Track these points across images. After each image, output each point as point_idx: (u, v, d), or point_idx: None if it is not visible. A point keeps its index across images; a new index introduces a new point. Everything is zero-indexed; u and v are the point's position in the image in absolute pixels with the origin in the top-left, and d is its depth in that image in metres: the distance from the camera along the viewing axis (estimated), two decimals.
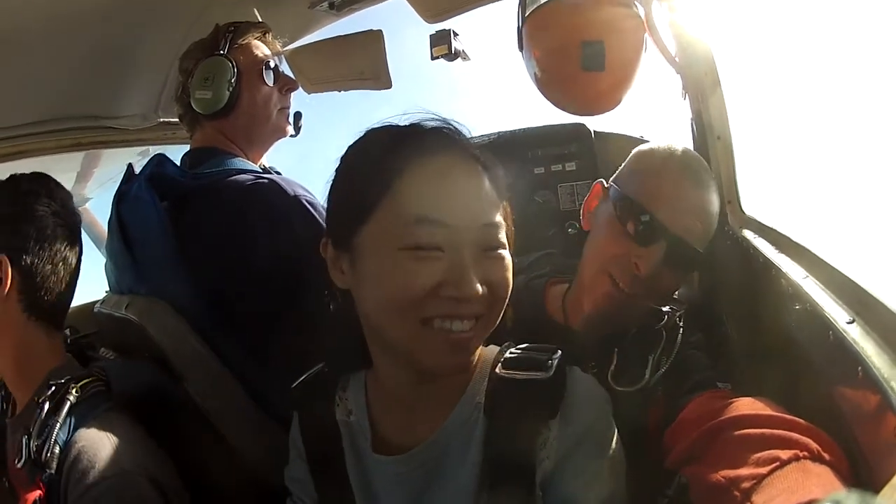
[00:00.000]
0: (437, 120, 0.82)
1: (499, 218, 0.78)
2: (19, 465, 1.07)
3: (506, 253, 0.79)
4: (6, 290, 1.18)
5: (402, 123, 0.82)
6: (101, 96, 1.78)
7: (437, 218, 0.73)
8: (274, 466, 0.99)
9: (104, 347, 1.48)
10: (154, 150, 1.97)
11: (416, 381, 0.84)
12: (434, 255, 0.73)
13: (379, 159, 0.78)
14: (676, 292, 1.29)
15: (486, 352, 0.88)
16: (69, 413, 1.08)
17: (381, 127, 0.83)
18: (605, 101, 1.38)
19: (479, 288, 0.73)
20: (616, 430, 0.81)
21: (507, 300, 0.80)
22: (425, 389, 0.84)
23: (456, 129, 0.81)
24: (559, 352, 0.82)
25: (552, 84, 1.37)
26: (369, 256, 0.77)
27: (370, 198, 0.76)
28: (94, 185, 2.32)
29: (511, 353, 0.85)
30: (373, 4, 1.67)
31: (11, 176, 1.28)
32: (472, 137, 0.83)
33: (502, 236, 0.78)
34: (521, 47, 1.39)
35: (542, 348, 0.84)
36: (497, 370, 0.82)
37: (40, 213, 1.23)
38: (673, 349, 1.05)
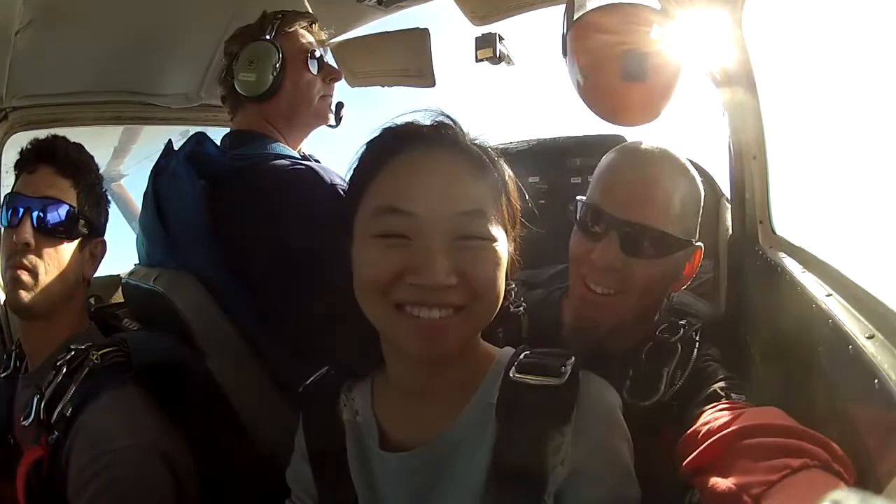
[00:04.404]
0: (434, 117, 0.84)
1: (481, 207, 0.78)
2: (25, 424, 1.08)
3: (488, 244, 0.77)
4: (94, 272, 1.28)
5: (401, 121, 0.85)
6: (146, 73, 1.82)
7: (404, 207, 0.75)
8: (286, 450, 0.99)
9: (128, 318, 1.50)
10: (194, 130, 2.00)
11: (422, 371, 0.84)
12: (401, 242, 0.75)
13: (368, 156, 0.84)
14: (696, 309, 1.29)
15: (500, 353, 0.87)
16: (85, 380, 1.10)
17: (384, 126, 0.86)
18: (644, 111, 1.36)
19: (446, 276, 0.73)
20: (629, 435, 0.82)
21: (494, 293, 0.78)
22: (434, 384, 0.84)
23: (449, 125, 0.83)
24: (573, 357, 0.82)
25: (593, 92, 1.36)
26: (355, 244, 0.81)
27: (358, 190, 0.81)
28: (132, 162, 2.35)
29: (525, 356, 0.84)
30: (420, 3, 1.69)
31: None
32: (467, 134, 0.84)
33: (484, 226, 0.77)
34: (564, 53, 1.39)
35: (558, 353, 0.84)
36: (511, 374, 0.81)
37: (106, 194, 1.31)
38: (688, 364, 1.06)
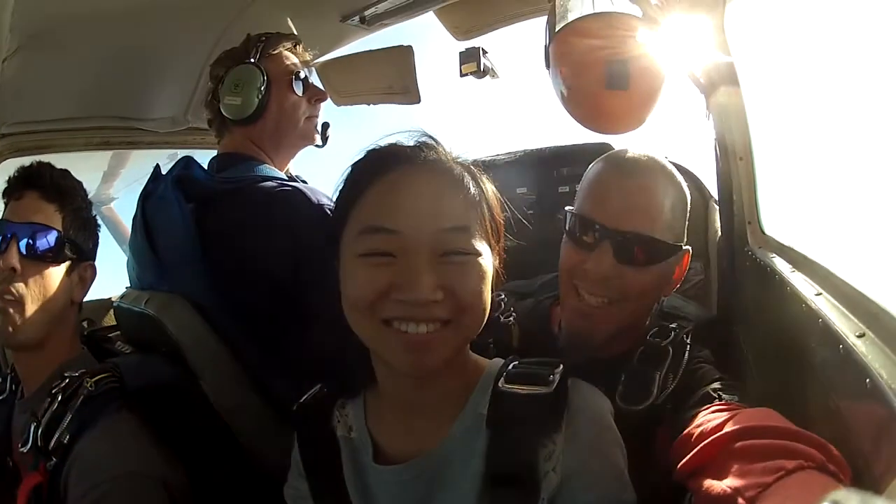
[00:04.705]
0: (417, 137, 0.86)
1: (465, 223, 0.79)
2: (23, 450, 1.08)
3: (473, 259, 0.79)
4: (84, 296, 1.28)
5: (384, 143, 0.87)
6: (133, 98, 1.83)
7: (388, 226, 0.77)
8: (284, 469, 0.99)
9: (120, 342, 1.49)
10: (182, 153, 2.00)
11: (412, 385, 0.84)
12: (386, 260, 0.76)
13: (353, 178, 0.86)
14: (687, 312, 1.29)
15: (490, 364, 0.89)
16: (81, 408, 1.09)
17: (368, 148, 0.88)
18: (628, 119, 1.37)
19: (431, 292, 0.75)
20: (621, 440, 0.82)
21: (480, 306, 0.79)
22: (425, 397, 0.85)
23: (432, 144, 0.85)
24: (561, 366, 0.83)
25: (577, 102, 1.37)
26: (342, 264, 0.82)
27: (344, 211, 0.83)
28: (121, 185, 2.36)
29: (514, 367, 0.85)
30: (403, 20, 1.71)
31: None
32: (449, 152, 0.86)
33: (468, 241, 0.79)
34: (548, 65, 1.40)
35: (545, 362, 0.85)
36: (500, 385, 0.83)
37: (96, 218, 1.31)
38: (680, 367, 1.06)
